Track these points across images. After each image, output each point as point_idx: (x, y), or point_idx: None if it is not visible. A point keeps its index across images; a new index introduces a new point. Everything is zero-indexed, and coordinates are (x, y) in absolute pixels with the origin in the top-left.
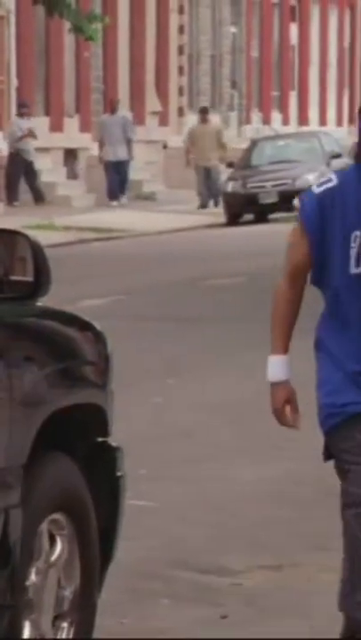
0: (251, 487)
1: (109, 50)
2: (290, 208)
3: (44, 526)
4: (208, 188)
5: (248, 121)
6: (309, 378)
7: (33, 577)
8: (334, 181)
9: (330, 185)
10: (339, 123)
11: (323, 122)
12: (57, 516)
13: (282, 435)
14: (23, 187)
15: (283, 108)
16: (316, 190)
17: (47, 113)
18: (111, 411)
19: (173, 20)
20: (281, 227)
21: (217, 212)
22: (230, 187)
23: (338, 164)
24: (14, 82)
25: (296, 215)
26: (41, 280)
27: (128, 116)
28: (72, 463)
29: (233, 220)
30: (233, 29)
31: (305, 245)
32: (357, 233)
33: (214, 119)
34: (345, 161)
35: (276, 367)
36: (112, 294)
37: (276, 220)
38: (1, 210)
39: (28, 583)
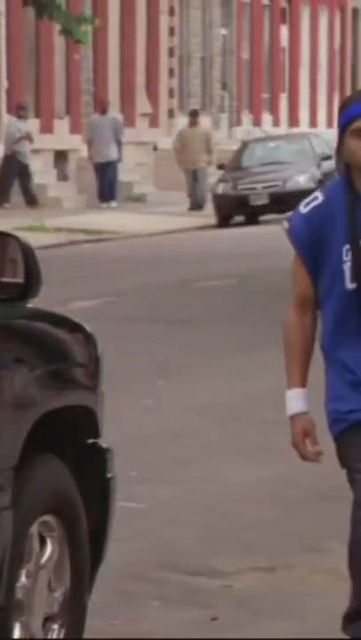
0: (241, 489)
1: (100, 52)
2: (281, 210)
3: (35, 528)
4: (193, 191)
5: (239, 123)
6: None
7: (23, 579)
8: (320, 199)
9: (316, 203)
10: (329, 124)
11: (313, 123)
12: (47, 517)
13: (272, 436)
14: (14, 189)
15: (273, 110)
16: (304, 210)
17: (37, 115)
18: (101, 412)
19: (164, 22)
20: (272, 228)
21: (208, 214)
22: (221, 188)
23: (328, 165)
24: (4, 83)
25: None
26: (31, 282)
27: (118, 117)
28: (62, 465)
29: (224, 221)
30: (223, 31)
31: (303, 272)
32: (348, 247)
33: (204, 122)
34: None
35: (293, 401)
36: (102, 296)
37: (266, 222)
38: None
39: (18, 585)
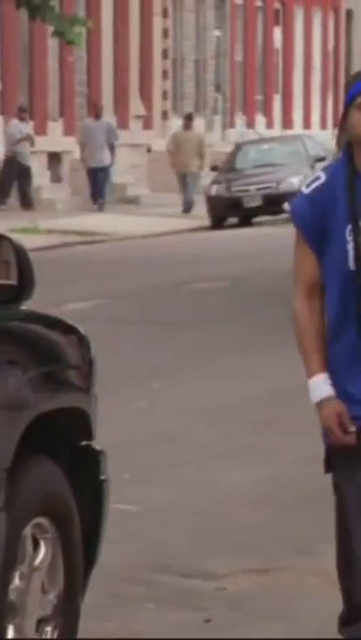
0: (235, 491)
1: (93, 54)
2: (274, 211)
3: (28, 530)
4: (183, 194)
5: (232, 124)
6: (298, 388)
7: (16, 581)
8: (322, 178)
9: (318, 183)
10: (323, 126)
11: (307, 125)
12: (41, 519)
13: (265, 439)
14: (12, 190)
15: (267, 112)
16: (306, 190)
17: (31, 117)
18: (95, 415)
19: (157, 24)
20: (265, 230)
21: (201, 216)
22: (214, 190)
23: (322, 167)
24: None
25: (287, 217)
26: (25, 284)
27: (112, 121)
28: (56, 467)
29: (217, 223)
30: (217, 33)
31: (309, 254)
32: (350, 227)
33: (198, 124)
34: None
35: (318, 386)
36: (96, 298)
37: (260, 224)
38: None
39: (11, 587)
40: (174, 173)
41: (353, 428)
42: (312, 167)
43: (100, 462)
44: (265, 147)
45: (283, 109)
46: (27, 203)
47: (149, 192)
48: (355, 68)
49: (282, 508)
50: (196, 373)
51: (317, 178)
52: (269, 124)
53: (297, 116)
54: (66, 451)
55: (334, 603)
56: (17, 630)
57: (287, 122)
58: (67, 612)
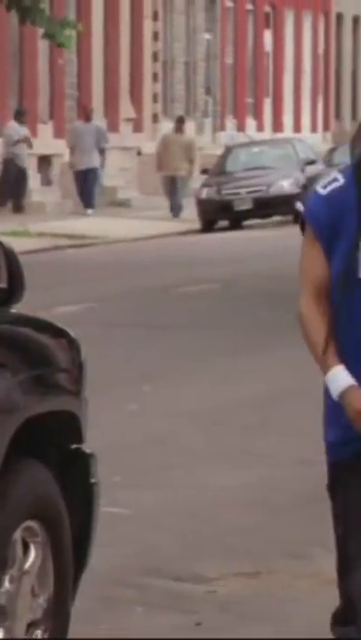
0: (225, 494)
1: (83, 56)
2: (265, 215)
3: (18, 534)
4: (171, 198)
5: (222, 127)
6: (288, 390)
7: (7, 584)
8: (341, 181)
9: (336, 185)
10: (313, 129)
11: (297, 128)
12: (31, 523)
13: (256, 441)
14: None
15: (257, 115)
16: (323, 191)
17: (16, 118)
18: (85, 418)
19: (148, 27)
20: (256, 233)
21: (192, 219)
22: (205, 193)
23: (312, 170)
24: None
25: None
26: (15, 287)
27: (102, 125)
28: (46, 470)
29: (208, 226)
30: (207, 36)
31: (320, 254)
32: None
33: (189, 127)
34: (319, 167)
35: (338, 377)
36: (86, 301)
37: (250, 227)
38: None
39: (1, 590)
40: (160, 176)
41: None
42: (302, 170)
43: (90, 465)
44: (255, 150)
45: (273, 112)
46: (19, 206)
47: (140, 195)
48: (345, 72)
49: (272, 510)
50: (186, 376)
51: (335, 179)
52: (260, 127)
53: (287, 119)
54: (56, 454)
55: (325, 605)
56: (7, 633)
57: (277, 125)
58: (57, 616)
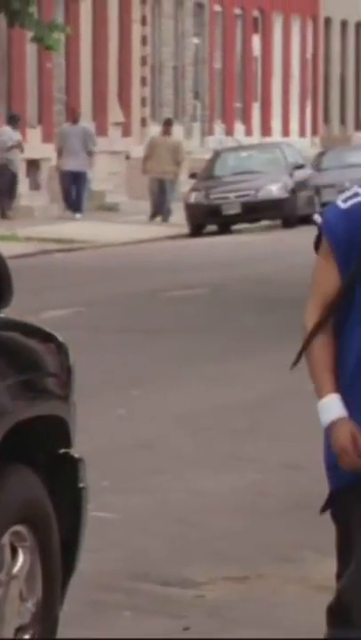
0: (213, 498)
1: (72, 60)
2: (253, 219)
3: (6, 538)
4: (159, 201)
5: (211, 132)
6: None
7: None
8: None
9: (357, 200)
10: (302, 134)
11: (285, 133)
12: (19, 527)
13: (245, 446)
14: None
15: (246, 119)
16: (343, 205)
17: (9, 123)
18: (73, 422)
19: (136, 31)
20: (244, 238)
21: (180, 223)
22: (193, 198)
23: (300, 174)
24: None
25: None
26: (3, 291)
27: (89, 127)
28: (34, 475)
29: (196, 230)
30: (196, 40)
31: (334, 268)
32: None
33: (177, 130)
34: (308, 172)
35: (332, 406)
36: (74, 305)
37: (239, 232)
38: None
39: None
40: (147, 179)
41: None
42: (291, 175)
43: (78, 470)
44: (244, 154)
45: (262, 117)
46: (6, 211)
47: (128, 199)
48: (333, 76)
49: (261, 515)
50: (175, 381)
51: (356, 194)
52: (248, 132)
53: (276, 123)
54: (44, 458)
55: (313, 610)
56: None
57: (266, 129)
58: (45, 620)
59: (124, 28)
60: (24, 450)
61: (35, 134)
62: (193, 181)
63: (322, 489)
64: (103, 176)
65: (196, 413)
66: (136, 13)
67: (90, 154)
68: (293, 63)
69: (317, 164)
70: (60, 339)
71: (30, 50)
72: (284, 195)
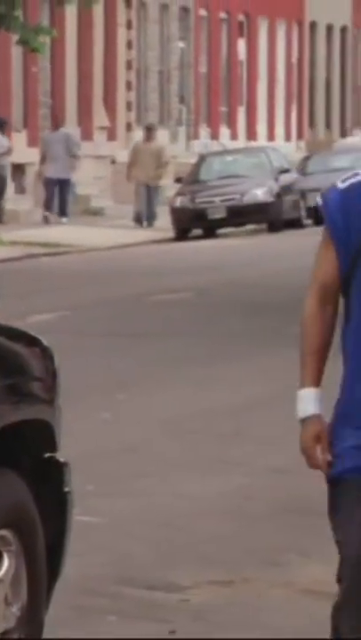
0: (200, 502)
1: (57, 64)
2: (239, 223)
3: None
4: (147, 206)
5: (196, 136)
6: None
7: None
8: (360, 176)
9: (356, 179)
10: (287, 138)
11: (271, 137)
12: (4, 532)
13: (231, 450)
14: None
15: (231, 124)
16: (341, 185)
17: None
18: (59, 426)
19: (121, 35)
20: (229, 242)
21: (165, 228)
22: (179, 202)
23: (286, 178)
24: None
25: (251, 229)
26: None
27: (72, 132)
28: (19, 479)
29: (181, 235)
30: (181, 45)
31: (332, 252)
32: None
33: (162, 135)
34: (293, 176)
35: (305, 402)
36: (60, 309)
37: (224, 236)
38: None
39: None
40: (132, 185)
41: (329, 457)
42: (276, 179)
43: (63, 474)
44: (229, 158)
45: (247, 121)
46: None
47: (113, 204)
48: (319, 80)
49: (248, 519)
50: (160, 385)
51: (355, 174)
52: (234, 136)
53: (261, 127)
54: (29, 462)
55: (299, 614)
56: None
57: (251, 134)
58: (30, 625)
59: (110, 32)
60: (9, 454)
61: (20, 138)
62: (178, 186)
63: (308, 492)
64: (88, 180)
65: (182, 417)
66: (121, 17)
67: (74, 157)
68: (279, 67)
69: (303, 169)
70: (46, 343)
71: (15, 54)
72: (270, 199)
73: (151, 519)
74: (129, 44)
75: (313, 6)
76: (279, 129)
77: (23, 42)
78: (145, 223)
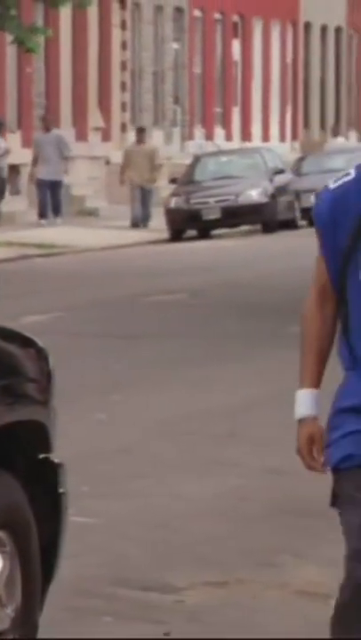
0: (196, 503)
1: (52, 65)
2: (233, 224)
3: None
4: (142, 209)
5: (191, 137)
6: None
7: None
8: (352, 175)
9: (346, 179)
10: (282, 138)
11: (265, 138)
12: None
13: (226, 451)
14: None
15: (226, 124)
16: (332, 186)
17: None
18: (54, 427)
19: (116, 36)
20: (224, 243)
21: (160, 229)
22: (173, 203)
23: (281, 179)
24: None
25: (245, 230)
26: None
27: (63, 134)
28: (14, 480)
29: (176, 235)
30: (175, 45)
31: (323, 255)
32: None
33: (157, 136)
34: (288, 177)
35: (303, 403)
36: (54, 310)
37: (219, 236)
38: None
39: None
40: (126, 187)
41: (322, 458)
42: (271, 180)
43: (58, 475)
44: (224, 159)
45: (242, 122)
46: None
47: (108, 204)
48: (313, 81)
49: (243, 520)
50: (156, 386)
51: (347, 174)
52: (228, 137)
53: (256, 128)
54: (24, 463)
55: (294, 615)
56: None
57: (246, 134)
58: (24, 626)
59: (104, 33)
60: (4, 455)
61: (14, 139)
62: (173, 186)
63: (304, 494)
64: (83, 181)
65: (178, 418)
66: (116, 18)
67: (65, 159)
68: (273, 68)
69: (297, 169)
70: (40, 344)
71: (10, 54)
72: (265, 200)
73: (146, 520)
74: (123, 45)
75: (307, 7)
76: (274, 130)
77: (19, 42)
78: (131, 225)
